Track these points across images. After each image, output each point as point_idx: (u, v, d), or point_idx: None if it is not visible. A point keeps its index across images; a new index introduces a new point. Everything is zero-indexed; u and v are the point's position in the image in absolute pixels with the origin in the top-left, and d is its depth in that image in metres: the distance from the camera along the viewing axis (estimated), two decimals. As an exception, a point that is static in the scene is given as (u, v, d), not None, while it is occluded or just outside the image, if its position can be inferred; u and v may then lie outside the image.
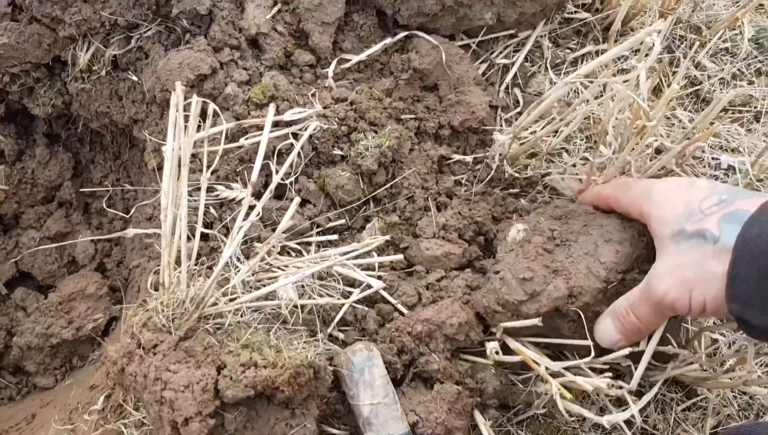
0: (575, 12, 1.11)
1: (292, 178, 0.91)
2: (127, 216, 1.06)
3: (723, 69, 1.11)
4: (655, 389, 0.78)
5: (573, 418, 0.85)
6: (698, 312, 0.64)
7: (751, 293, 0.55)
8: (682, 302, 0.64)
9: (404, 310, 0.83)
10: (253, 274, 0.81)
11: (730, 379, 0.80)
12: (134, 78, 1.03)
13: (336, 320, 0.83)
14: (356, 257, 0.84)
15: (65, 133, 1.24)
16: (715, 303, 0.61)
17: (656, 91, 1.05)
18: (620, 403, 0.83)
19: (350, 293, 0.83)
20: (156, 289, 0.76)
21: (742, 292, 0.56)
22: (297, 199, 0.76)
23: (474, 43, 1.06)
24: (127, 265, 1.18)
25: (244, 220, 0.77)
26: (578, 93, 0.95)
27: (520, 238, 0.82)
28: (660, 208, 0.68)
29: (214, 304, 0.74)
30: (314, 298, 0.81)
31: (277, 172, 0.86)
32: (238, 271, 0.76)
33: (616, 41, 1.05)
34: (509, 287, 0.77)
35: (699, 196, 0.65)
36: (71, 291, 1.14)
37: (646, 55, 0.77)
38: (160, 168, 0.99)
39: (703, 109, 1.05)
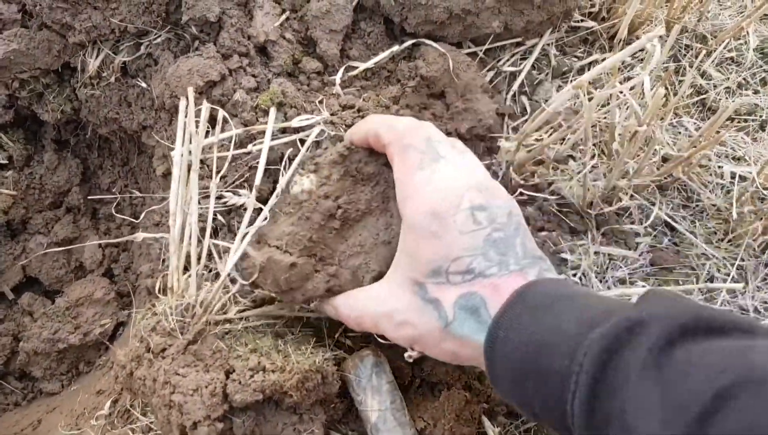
0: (582, 21, 1.12)
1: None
2: (136, 221, 1.07)
3: (728, 78, 1.11)
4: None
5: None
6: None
7: (507, 395, 0.56)
8: (399, 340, 0.65)
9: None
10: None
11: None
12: (143, 84, 1.04)
13: (343, 326, 0.83)
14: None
15: (74, 138, 1.25)
16: (428, 349, 0.63)
17: (665, 102, 1.06)
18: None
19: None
20: (164, 294, 0.76)
21: (503, 392, 0.56)
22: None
23: (481, 51, 1.06)
24: (134, 271, 1.18)
25: (249, 224, 0.77)
26: (581, 101, 0.95)
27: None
28: (412, 240, 0.62)
29: (222, 309, 0.75)
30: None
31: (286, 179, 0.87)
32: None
33: (621, 50, 1.06)
34: None
35: (451, 253, 0.59)
36: (78, 296, 1.14)
37: (637, 53, 0.78)
38: (168, 174, 1.00)
39: (709, 118, 1.05)
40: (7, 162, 1.18)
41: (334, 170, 0.72)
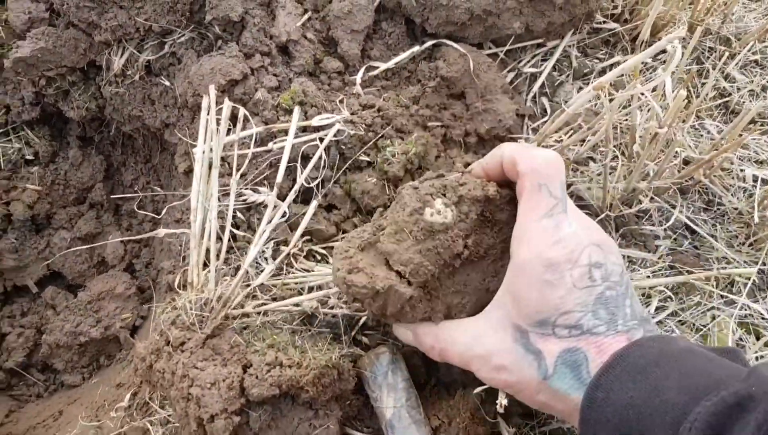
0: (604, 22, 1.11)
1: (318, 181, 0.92)
2: (158, 217, 1.08)
3: (752, 81, 1.10)
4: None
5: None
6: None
7: None
8: (493, 383, 0.64)
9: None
10: (278, 276, 0.82)
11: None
12: (167, 83, 1.06)
13: (360, 323, 0.84)
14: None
15: (98, 136, 1.27)
16: (521, 396, 0.62)
17: (687, 104, 1.05)
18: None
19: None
20: (184, 289, 0.78)
21: None
22: (315, 202, 0.77)
23: (502, 51, 1.06)
24: (155, 267, 1.20)
25: (269, 221, 0.78)
26: (601, 103, 0.95)
27: None
28: (523, 284, 0.61)
29: (241, 304, 0.76)
30: (336, 308, 0.82)
31: (309, 181, 0.87)
32: (262, 271, 0.77)
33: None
34: None
35: (562, 305, 0.59)
36: (100, 290, 1.16)
37: (659, 55, 0.77)
38: (189, 171, 1.01)
39: (732, 121, 1.04)
40: (33, 158, 1.21)
41: (474, 208, 0.69)
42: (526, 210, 0.63)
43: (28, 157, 1.20)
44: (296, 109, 0.80)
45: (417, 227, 0.67)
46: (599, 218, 0.95)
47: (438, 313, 0.69)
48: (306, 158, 0.90)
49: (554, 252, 0.59)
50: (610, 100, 0.84)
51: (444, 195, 0.68)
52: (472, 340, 0.65)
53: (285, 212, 0.75)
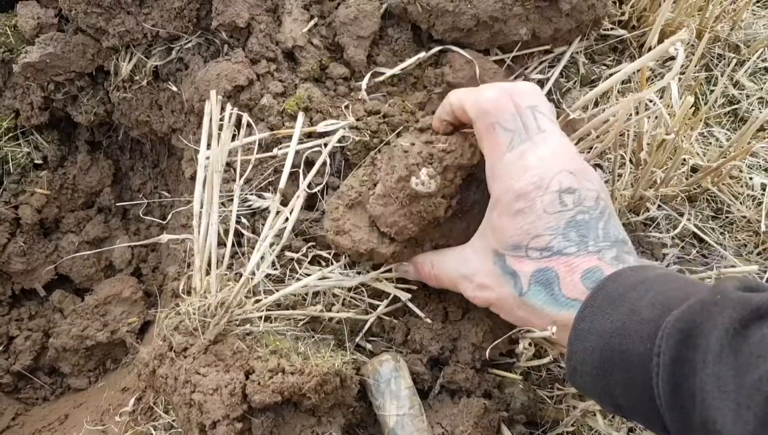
0: (611, 29, 1.11)
1: (323, 187, 0.92)
2: (164, 222, 1.08)
3: (762, 88, 1.09)
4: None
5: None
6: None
7: (588, 387, 0.58)
8: (476, 300, 0.72)
9: (431, 322, 0.84)
10: (281, 282, 0.82)
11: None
12: (174, 88, 1.06)
13: (363, 331, 0.84)
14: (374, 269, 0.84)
15: (106, 140, 1.27)
16: (503, 313, 0.70)
17: (695, 111, 1.04)
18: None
19: (377, 305, 0.84)
20: (188, 294, 0.78)
21: (582, 384, 0.59)
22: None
23: (508, 58, 1.06)
24: (162, 271, 1.20)
25: (271, 226, 0.78)
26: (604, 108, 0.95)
27: None
28: (500, 212, 0.66)
29: (243, 310, 0.76)
30: (340, 312, 0.82)
31: (309, 182, 0.87)
32: (263, 273, 0.77)
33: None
34: None
35: (533, 230, 0.63)
36: (107, 294, 1.17)
37: (668, 62, 0.77)
38: (195, 177, 1.01)
39: (740, 128, 1.03)
40: (42, 162, 1.21)
41: (459, 174, 0.74)
42: (488, 152, 0.68)
43: (36, 161, 1.20)
44: (300, 115, 0.80)
45: (403, 194, 0.74)
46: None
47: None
48: (310, 164, 0.90)
49: (522, 182, 0.64)
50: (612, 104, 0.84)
51: (431, 164, 0.73)
52: (458, 263, 0.73)
53: (287, 218, 0.75)
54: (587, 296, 0.59)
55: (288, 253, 0.87)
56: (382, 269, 0.83)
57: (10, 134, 1.18)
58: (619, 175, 0.96)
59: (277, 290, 0.80)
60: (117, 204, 1.28)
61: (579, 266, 0.61)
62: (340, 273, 0.85)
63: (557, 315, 0.62)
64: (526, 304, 0.64)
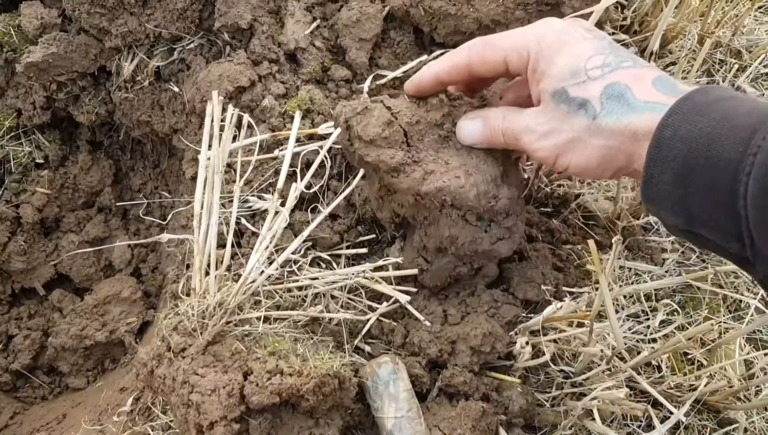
0: (613, 33, 1.11)
1: (324, 189, 0.92)
2: (164, 222, 1.08)
3: (764, 94, 1.09)
4: (684, 409, 0.76)
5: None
6: (559, 170, 0.68)
7: (663, 196, 0.56)
8: (548, 160, 0.67)
9: (429, 324, 0.84)
10: (280, 284, 0.82)
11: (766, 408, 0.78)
12: (175, 89, 1.06)
13: (362, 333, 0.84)
14: (374, 270, 0.84)
15: (107, 140, 1.28)
16: (578, 168, 0.64)
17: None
18: (648, 428, 0.82)
19: (376, 307, 0.84)
20: (187, 295, 0.78)
21: (656, 194, 0.57)
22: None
23: (510, 62, 1.06)
24: (161, 272, 1.20)
25: (270, 227, 0.78)
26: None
27: None
28: (546, 60, 0.65)
29: (241, 311, 0.76)
30: (340, 312, 0.82)
31: (310, 184, 0.87)
32: (261, 273, 0.77)
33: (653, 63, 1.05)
34: None
35: (585, 52, 0.63)
36: (107, 294, 1.17)
37: (669, 67, 0.77)
38: (196, 177, 1.01)
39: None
40: (43, 161, 1.22)
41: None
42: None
43: (38, 160, 1.21)
44: (297, 114, 0.80)
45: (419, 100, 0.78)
46: (606, 230, 0.95)
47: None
48: (311, 166, 0.90)
49: (557, 24, 0.66)
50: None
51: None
52: (521, 117, 0.68)
53: (286, 219, 0.75)
54: (672, 105, 0.56)
55: (288, 255, 0.87)
56: (379, 268, 0.83)
57: (12, 133, 1.18)
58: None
59: (276, 292, 0.80)
60: (117, 204, 1.28)
61: (646, 75, 0.60)
62: (339, 274, 0.85)
63: (637, 122, 0.58)
64: (601, 127, 0.61)
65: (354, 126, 0.77)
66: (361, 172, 0.85)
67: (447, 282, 0.84)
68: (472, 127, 0.75)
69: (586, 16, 0.99)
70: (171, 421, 0.83)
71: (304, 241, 0.89)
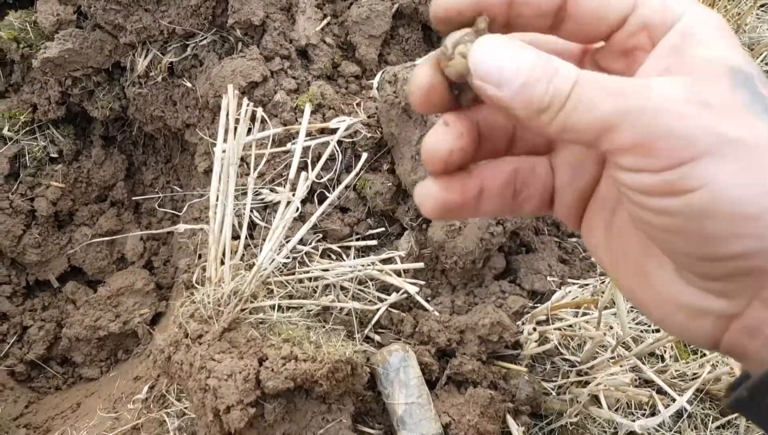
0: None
1: (334, 181, 0.93)
2: (178, 215, 1.10)
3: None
4: (687, 395, 0.78)
5: (604, 430, 0.85)
6: (676, 189, 0.30)
7: None
8: (672, 156, 0.30)
9: (438, 314, 0.85)
10: (293, 274, 0.84)
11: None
12: (188, 84, 1.08)
13: (373, 322, 0.86)
14: (382, 262, 0.86)
15: (121, 135, 1.29)
16: (720, 192, 0.30)
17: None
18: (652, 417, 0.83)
19: (385, 298, 0.86)
20: (202, 284, 0.80)
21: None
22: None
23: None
24: (173, 264, 1.22)
25: (282, 217, 0.80)
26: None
27: None
28: (709, 32, 0.33)
29: (255, 299, 0.78)
30: (350, 302, 0.84)
31: (321, 176, 0.89)
32: (272, 262, 0.79)
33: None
34: None
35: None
36: (119, 286, 1.19)
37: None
38: (209, 171, 1.03)
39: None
40: (58, 156, 1.24)
41: None
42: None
43: (52, 154, 1.23)
44: (307, 107, 0.81)
45: None
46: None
47: None
48: (324, 160, 0.92)
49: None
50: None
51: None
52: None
53: (298, 208, 0.76)
54: None
55: (299, 246, 0.89)
56: (375, 259, 0.85)
57: (27, 128, 1.20)
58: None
59: (288, 282, 0.82)
60: (133, 198, 1.30)
61: None
62: (350, 266, 0.87)
63: None
64: None
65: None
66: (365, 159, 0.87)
67: None
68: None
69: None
70: (186, 407, 0.85)
71: (315, 232, 0.91)
